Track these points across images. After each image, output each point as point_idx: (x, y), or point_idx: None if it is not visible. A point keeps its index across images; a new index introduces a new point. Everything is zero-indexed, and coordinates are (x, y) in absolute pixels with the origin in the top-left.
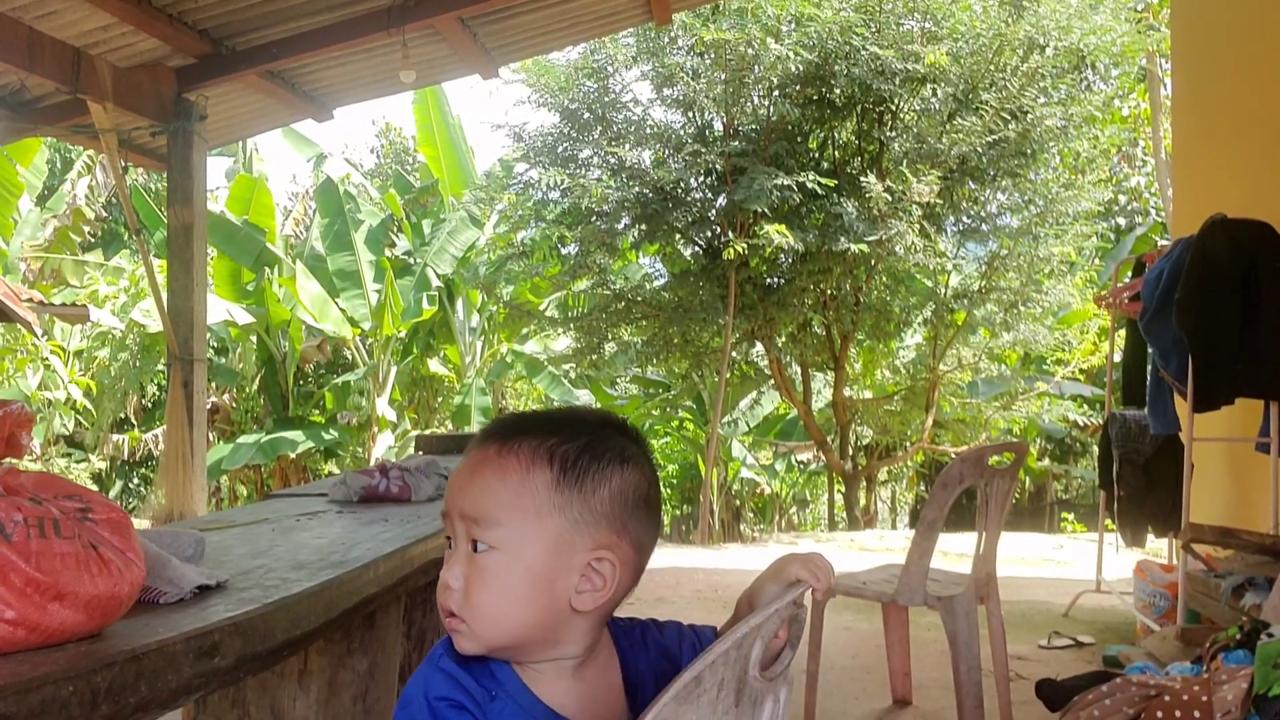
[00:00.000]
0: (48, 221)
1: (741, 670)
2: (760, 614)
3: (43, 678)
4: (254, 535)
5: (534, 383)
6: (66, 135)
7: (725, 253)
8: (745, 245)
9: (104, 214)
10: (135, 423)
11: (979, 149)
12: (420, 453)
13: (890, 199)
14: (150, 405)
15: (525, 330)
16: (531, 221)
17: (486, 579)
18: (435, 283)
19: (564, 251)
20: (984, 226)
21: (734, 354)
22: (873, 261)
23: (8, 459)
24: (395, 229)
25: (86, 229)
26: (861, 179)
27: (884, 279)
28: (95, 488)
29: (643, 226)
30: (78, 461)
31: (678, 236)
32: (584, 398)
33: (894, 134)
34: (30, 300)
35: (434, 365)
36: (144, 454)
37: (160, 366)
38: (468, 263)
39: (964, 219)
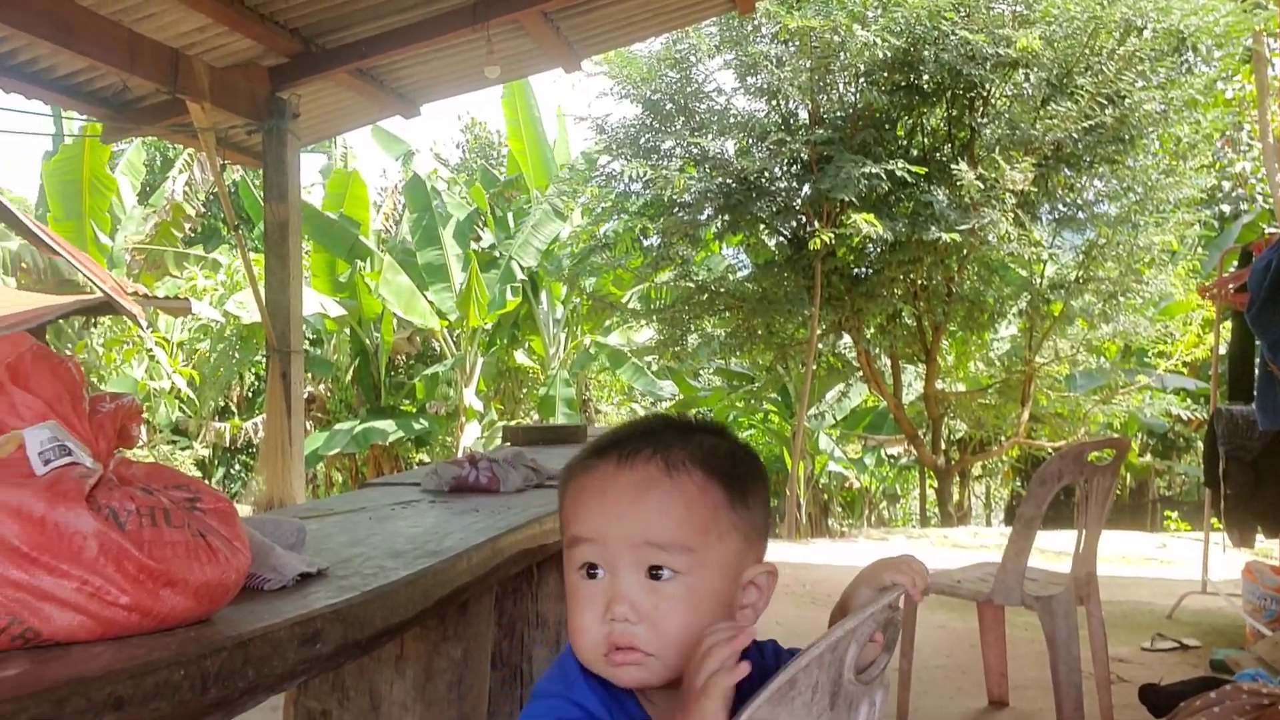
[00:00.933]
0: (149, 217)
1: (836, 673)
2: (855, 617)
3: (156, 662)
4: (352, 523)
5: (617, 374)
6: (166, 134)
7: (811, 243)
8: (832, 235)
9: (203, 210)
10: (236, 411)
11: (1074, 135)
12: (507, 444)
13: (982, 187)
14: (250, 395)
15: (608, 322)
16: (614, 214)
17: (678, 608)
18: (520, 275)
19: (646, 243)
20: (1081, 215)
21: (820, 346)
22: (965, 251)
23: (119, 449)
24: (481, 223)
25: (187, 224)
26: (952, 166)
27: (977, 269)
28: (199, 474)
29: (726, 217)
30: (182, 449)
31: (762, 227)
32: (668, 389)
33: (985, 120)
34: (135, 293)
35: (519, 356)
36: (244, 441)
37: (259, 357)
38: (552, 255)
39: (1059, 207)
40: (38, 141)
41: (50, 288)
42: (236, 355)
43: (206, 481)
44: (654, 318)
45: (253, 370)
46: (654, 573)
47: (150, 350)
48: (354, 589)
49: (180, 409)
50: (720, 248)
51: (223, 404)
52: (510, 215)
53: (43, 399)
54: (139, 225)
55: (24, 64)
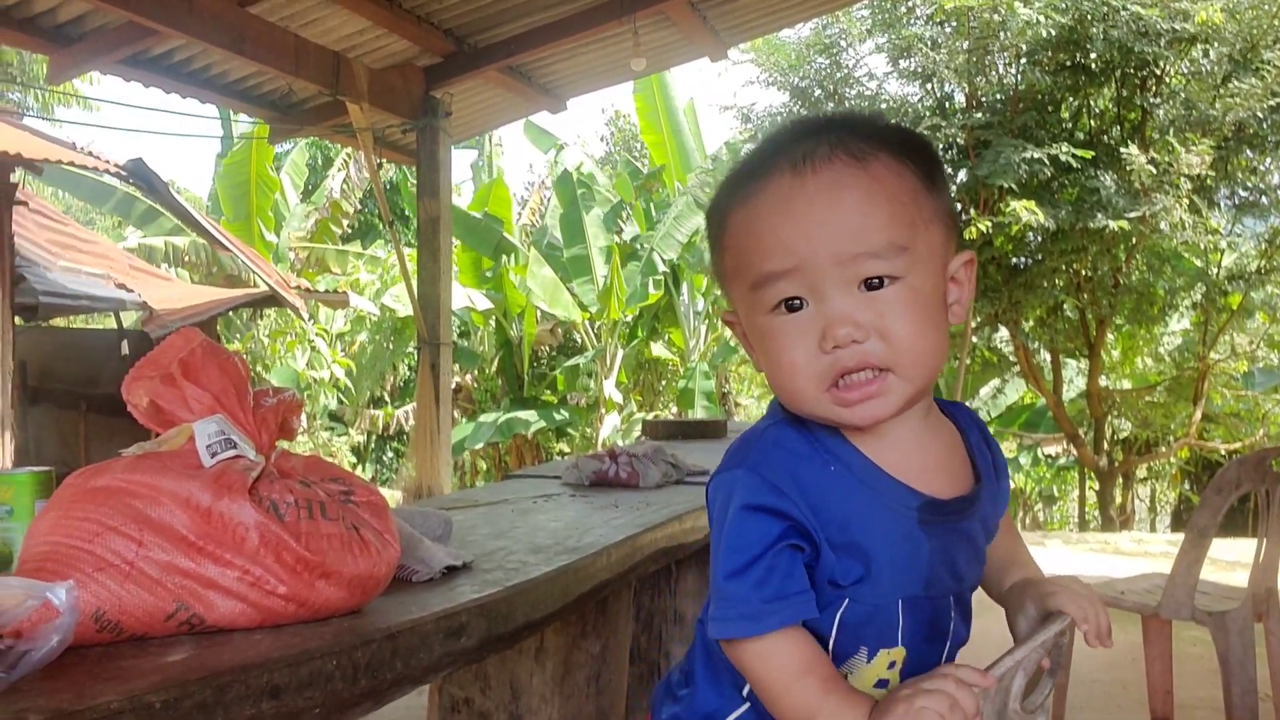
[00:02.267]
0: (311, 214)
1: (1002, 704)
2: (1024, 647)
3: (311, 651)
4: (495, 516)
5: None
6: (328, 134)
7: (966, 231)
8: (989, 223)
9: (360, 207)
10: (389, 400)
11: (1259, 114)
12: (645, 438)
13: (1154, 171)
14: (402, 384)
15: None
16: None
17: (911, 313)
18: (661, 267)
19: None
20: (1264, 200)
21: (975, 339)
22: (1134, 239)
23: (280, 442)
24: (625, 215)
25: (345, 221)
26: (1121, 150)
27: (1146, 258)
28: (354, 460)
29: None
30: (339, 435)
31: None
32: None
33: (1159, 100)
34: (298, 288)
35: (659, 349)
36: (396, 429)
37: (411, 349)
38: (693, 247)
39: (1240, 191)
40: (210, 143)
41: (218, 282)
42: (390, 346)
43: (361, 467)
44: None
45: (405, 361)
46: (870, 283)
47: (311, 341)
48: (497, 584)
49: (338, 398)
50: None
51: (377, 393)
52: (652, 207)
53: (211, 393)
54: (301, 222)
55: (198, 70)
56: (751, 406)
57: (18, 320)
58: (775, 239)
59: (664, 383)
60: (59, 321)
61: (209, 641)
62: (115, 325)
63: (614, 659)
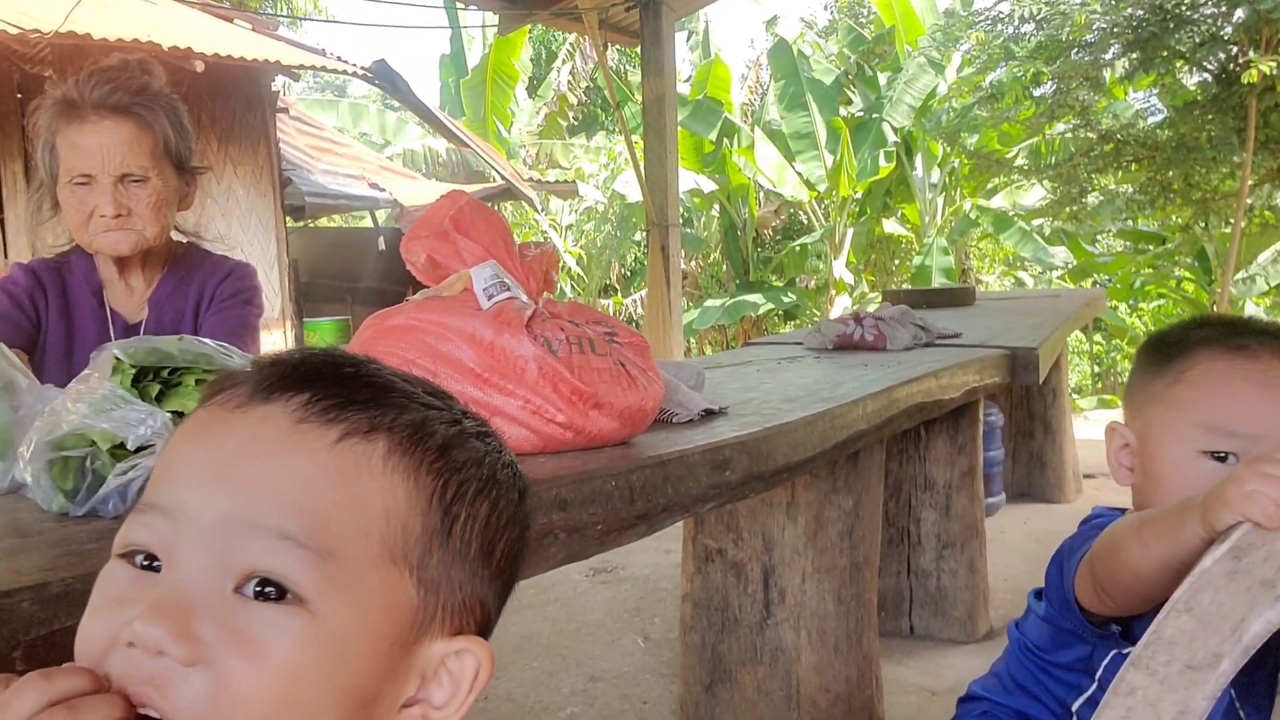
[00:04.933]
0: (539, 110)
1: None
2: None
3: (591, 472)
4: (742, 374)
5: (1001, 240)
6: (554, 21)
7: (1244, 76)
8: (1273, 64)
9: (584, 98)
10: (618, 288)
11: None
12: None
13: None
14: (628, 274)
15: (992, 183)
16: (1001, 60)
17: None
18: (892, 138)
19: (1038, 92)
20: None
21: (1251, 199)
22: None
23: (544, 293)
24: (850, 86)
25: (570, 113)
26: None
27: None
28: None
29: (1135, 55)
30: None
31: (1179, 63)
32: (1060, 256)
33: None
34: (531, 180)
35: (891, 225)
36: (625, 317)
37: (637, 237)
38: (928, 112)
39: None
40: (435, 47)
41: (460, 179)
42: (618, 235)
43: None
44: (1046, 175)
45: (631, 250)
46: None
47: (545, 233)
48: (756, 425)
49: (571, 287)
50: (1126, 92)
51: (607, 282)
52: (880, 75)
53: (481, 244)
54: (530, 119)
55: None
56: (993, 284)
57: (288, 221)
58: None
59: (897, 261)
60: (322, 222)
61: None
62: (371, 223)
63: (867, 515)
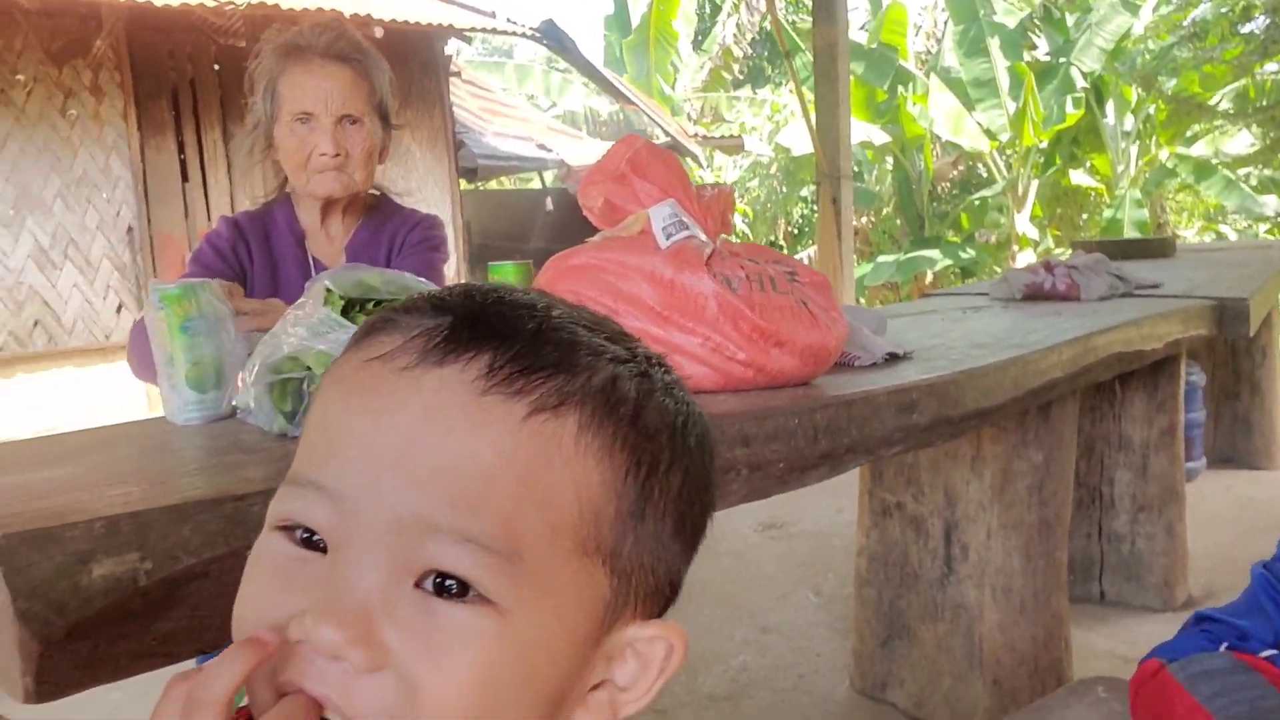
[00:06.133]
0: (704, 64)
1: None
2: None
3: (774, 409)
4: (924, 322)
5: (1202, 191)
6: None
7: None
8: None
9: (749, 51)
10: (784, 245)
11: None
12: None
13: None
14: (795, 231)
15: (1192, 130)
16: None
17: None
18: (1081, 83)
19: (1247, 28)
20: None
21: None
22: None
23: (721, 234)
24: (1035, 28)
25: (736, 67)
26: None
27: None
28: None
29: None
30: None
31: None
32: (1270, 205)
33: None
34: (696, 136)
35: (1079, 177)
36: None
37: (804, 192)
38: (1121, 55)
39: None
40: (598, 6)
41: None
42: (784, 190)
43: None
44: (1255, 119)
45: (798, 206)
46: None
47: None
48: (944, 369)
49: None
50: None
51: (774, 238)
52: (1068, 16)
53: (658, 186)
54: (694, 74)
55: None
56: (1191, 239)
57: (463, 183)
58: None
59: (1085, 215)
60: (491, 185)
61: None
62: (539, 185)
63: (1058, 471)
